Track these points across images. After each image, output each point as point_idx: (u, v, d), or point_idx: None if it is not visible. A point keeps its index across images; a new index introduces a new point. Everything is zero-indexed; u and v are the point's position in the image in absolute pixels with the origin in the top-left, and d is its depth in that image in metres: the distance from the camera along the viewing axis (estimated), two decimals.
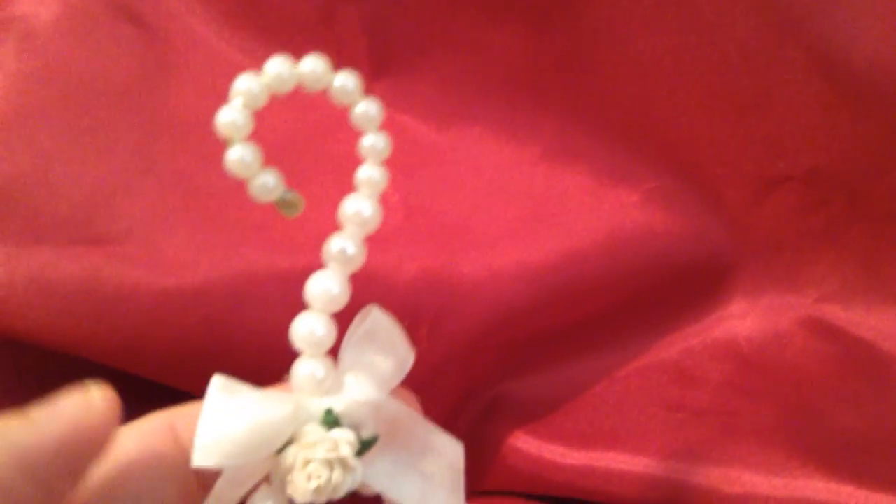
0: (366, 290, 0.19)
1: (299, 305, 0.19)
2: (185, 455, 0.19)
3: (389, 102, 0.20)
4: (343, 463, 0.18)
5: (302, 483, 0.17)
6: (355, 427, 0.18)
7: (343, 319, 0.19)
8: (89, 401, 0.16)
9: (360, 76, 0.19)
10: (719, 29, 0.31)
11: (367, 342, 0.19)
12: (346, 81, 0.19)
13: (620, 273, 0.33)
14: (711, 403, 0.32)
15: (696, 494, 0.30)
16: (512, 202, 0.32)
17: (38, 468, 0.15)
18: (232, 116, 0.18)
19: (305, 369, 0.19)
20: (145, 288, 0.26)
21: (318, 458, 0.17)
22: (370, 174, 0.20)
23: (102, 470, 0.18)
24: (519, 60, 0.33)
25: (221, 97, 0.18)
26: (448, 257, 0.31)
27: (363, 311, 0.20)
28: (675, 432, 0.31)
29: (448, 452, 0.21)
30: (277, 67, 0.18)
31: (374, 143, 0.20)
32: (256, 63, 0.18)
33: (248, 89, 0.18)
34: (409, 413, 0.20)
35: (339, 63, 0.19)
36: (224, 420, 0.17)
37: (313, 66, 0.18)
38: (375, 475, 0.19)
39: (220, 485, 0.18)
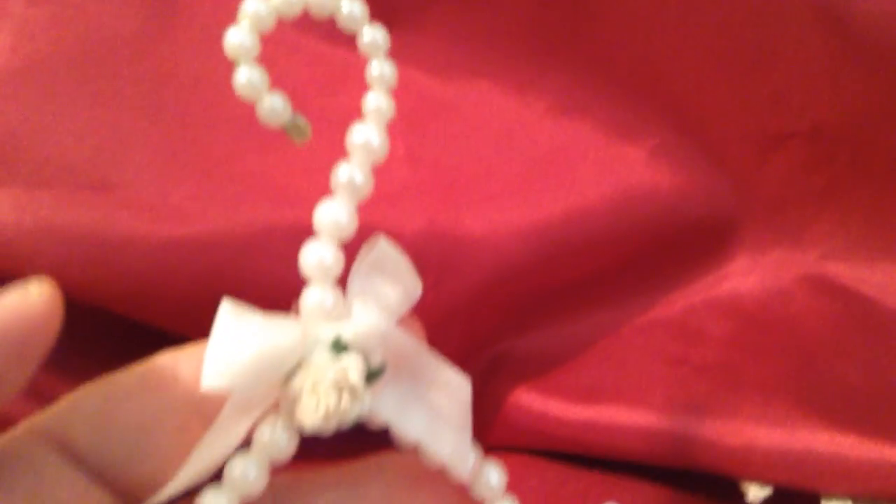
0: None
1: None
2: (186, 390, 0.19)
3: (394, 56, 0.20)
4: (352, 389, 0.17)
5: (310, 408, 0.17)
6: (364, 355, 0.18)
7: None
8: (27, 290, 0.16)
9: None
10: None
11: (375, 272, 0.19)
12: (353, 7, 0.19)
13: (624, 230, 0.33)
14: (714, 359, 0.32)
15: (697, 447, 0.30)
16: (517, 157, 0.32)
17: None
18: (239, 38, 0.18)
19: (314, 297, 0.18)
20: (151, 236, 0.25)
21: (326, 383, 0.17)
22: (378, 103, 0.20)
23: (100, 400, 0.18)
24: (525, 15, 0.33)
25: None
26: (453, 212, 0.31)
27: (370, 242, 0.20)
28: (678, 386, 0.31)
29: (455, 387, 0.21)
30: None
31: (381, 70, 0.19)
32: None
33: (255, 12, 0.18)
34: (416, 345, 0.20)
35: None
36: (233, 343, 0.17)
37: None
38: (383, 406, 0.19)
39: (226, 411, 0.18)
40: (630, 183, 0.33)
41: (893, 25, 0.31)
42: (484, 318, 0.32)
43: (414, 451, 0.21)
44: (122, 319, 0.26)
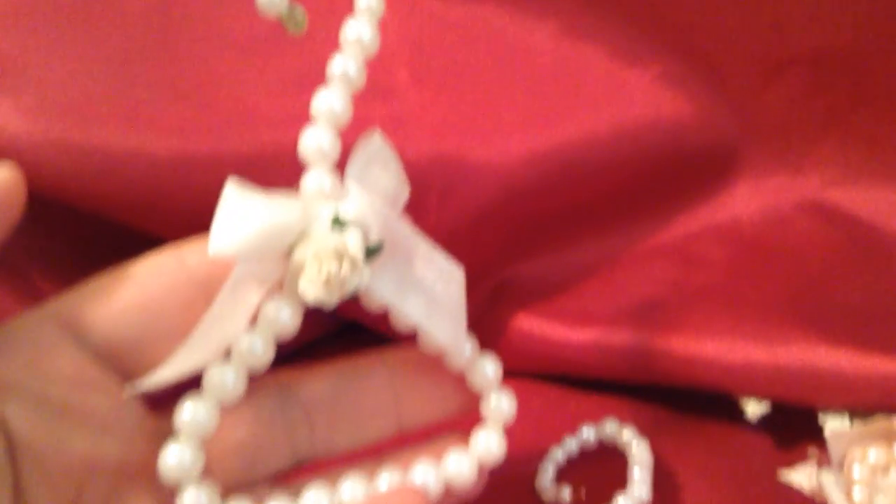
0: None
1: None
2: (190, 274, 0.19)
3: None
4: (351, 259, 0.18)
5: (312, 275, 0.18)
6: (362, 232, 0.19)
7: None
8: None
9: None
10: None
11: (370, 162, 0.20)
12: None
13: (627, 157, 0.33)
14: (714, 282, 0.33)
15: (696, 365, 0.30)
16: (521, 81, 0.32)
17: None
18: None
19: (313, 180, 0.19)
20: (157, 151, 0.26)
21: (327, 252, 0.18)
22: (369, 2, 0.20)
23: (106, 283, 0.19)
24: None
25: None
26: (457, 136, 0.31)
27: (364, 136, 0.20)
28: (677, 308, 0.32)
29: (449, 274, 0.21)
30: None
31: None
32: None
33: None
34: (411, 232, 0.20)
35: None
36: (238, 215, 0.18)
37: None
38: (382, 286, 0.20)
39: (230, 283, 0.18)
40: (633, 110, 0.33)
41: None
42: (486, 244, 0.33)
43: (414, 347, 0.22)
44: (128, 231, 0.27)
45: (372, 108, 0.30)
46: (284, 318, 0.19)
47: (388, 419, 0.22)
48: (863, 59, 0.34)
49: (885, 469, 0.25)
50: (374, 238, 0.19)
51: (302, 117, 0.20)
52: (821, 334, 0.30)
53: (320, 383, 0.22)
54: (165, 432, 0.19)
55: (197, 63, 0.28)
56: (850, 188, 0.35)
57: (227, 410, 0.19)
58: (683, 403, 0.32)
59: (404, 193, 0.21)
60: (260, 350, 0.19)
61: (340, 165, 0.20)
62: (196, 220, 0.20)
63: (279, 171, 0.28)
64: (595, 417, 0.30)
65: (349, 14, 0.20)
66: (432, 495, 0.20)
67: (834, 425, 0.28)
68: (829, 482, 0.25)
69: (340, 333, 0.34)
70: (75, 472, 0.17)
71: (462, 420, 0.23)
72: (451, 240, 0.31)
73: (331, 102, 0.19)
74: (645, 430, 0.29)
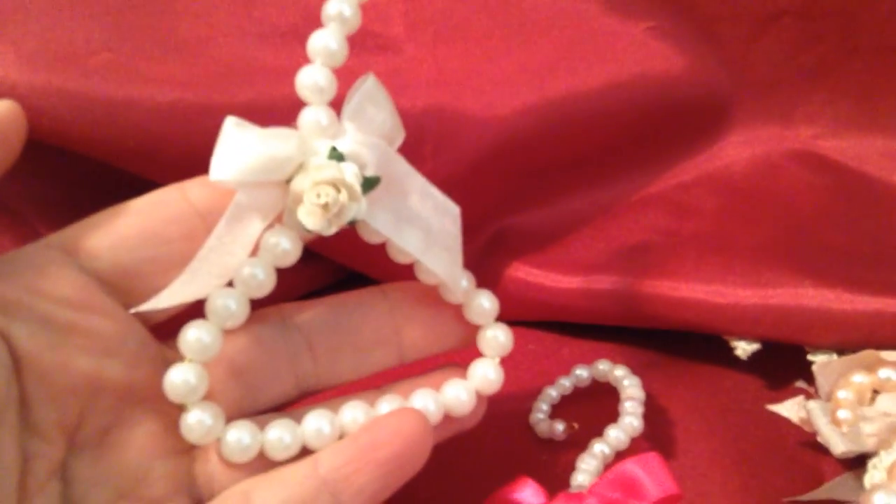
0: None
1: None
2: (192, 206, 0.20)
3: None
4: (349, 188, 0.19)
5: (310, 202, 0.18)
6: (359, 165, 0.19)
7: None
8: None
9: None
10: None
11: (365, 102, 0.21)
12: None
13: (619, 109, 0.34)
14: (704, 229, 0.33)
15: (687, 308, 0.31)
16: (514, 34, 0.33)
17: None
18: None
19: (310, 115, 0.20)
20: (154, 100, 0.27)
21: (324, 179, 0.18)
22: None
23: (109, 215, 0.20)
24: None
25: None
26: (452, 88, 0.31)
27: (360, 79, 0.21)
28: (668, 254, 0.33)
29: (445, 209, 0.22)
30: None
31: None
32: None
33: None
34: (408, 168, 0.21)
35: None
36: (238, 145, 0.19)
37: None
38: (380, 219, 0.20)
39: (229, 212, 0.19)
40: (625, 63, 0.34)
41: None
42: (481, 194, 0.33)
43: (414, 281, 0.22)
44: (128, 177, 0.27)
45: (368, 60, 0.31)
46: (284, 246, 0.20)
47: (390, 350, 0.22)
48: (852, 10, 0.34)
49: (870, 395, 0.26)
50: (370, 173, 0.20)
51: (299, 68, 0.20)
52: (810, 276, 0.31)
53: (322, 314, 0.22)
54: (170, 360, 0.19)
55: (195, 14, 0.29)
56: (839, 137, 0.36)
57: (229, 335, 0.20)
58: (674, 347, 0.33)
59: (400, 134, 0.22)
60: (261, 276, 0.19)
61: (338, 111, 0.20)
62: (195, 166, 0.20)
63: (277, 122, 0.29)
64: (588, 361, 0.31)
65: None
66: (432, 420, 0.21)
67: (822, 361, 0.29)
68: (815, 409, 0.26)
69: (341, 285, 0.35)
70: (80, 390, 0.18)
71: (461, 355, 0.24)
72: (445, 190, 0.32)
73: (326, 41, 0.20)
74: (637, 372, 0.30)
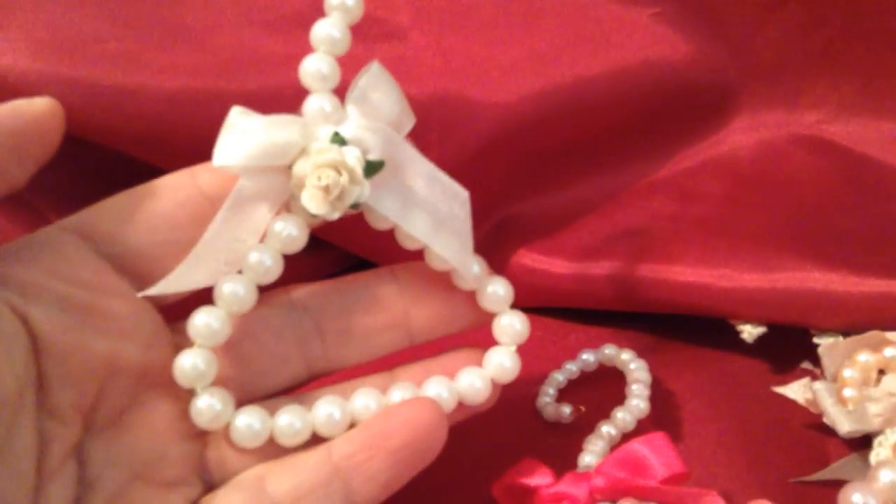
0: None
1: None
2: (202, 191, 0.20)
3: None
4: (350, 171, 0.19)
5: (311, 185, 0.19)
6: (362, 150, 0.20)
7: None
8: (30, 99, 0.18)
9: None
10: None
11: (370, 88, 0.21)
12: None
13: (624, 95, 0.34)
14: (710, 213, 0.33)
15: (693, 292, 0.31)
16: (521, 20, 0.33)
17: None
18: None
19: (314, 103, 0.20)
20: (161, 89, 0.27)
21: (325, 162, 0.19)
22: None
23: (123, 199, 0.20)
24: None
25: None
26: (458, 75, 0.32)
27: (365, 67, 0.21)
28: (676, 239, 0.33)
29: (454, 194, 0.22)
30: None
31: None
32: None
33: None
34: (416, 153, 0.21)
35: None
36: (242, 131, 0.19)
37: None
38: (386, 203, 0.20)
39: (232, 197, 0.19)
40: (631, 49, 0.34)
41: None
42: (487, 181, 0.33)
43: (424, 263, 0.22)
44: (137, 165, 0.28)
45: (373, 48, 0.31)
46: (291, 232, 0.20)
47: (399, 332, 0.22)
48: None
49: (875, 375, 0.26)
50: (374, 157, 0.20)
51: (303, 56, 0.21)
52: (815, 259, 0.31)
53: (330, 296, 0.22)
54: (179, 346, 0.20)
55: (201, 3, 0.29)
56: (844, 122, 0.35)
57: (238, 320, 0.20)
58: (680, 332, 0.33)
59: (409, 120, 0.22)
60: (268, 262, 0.20)
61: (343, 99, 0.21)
62: (202, 153, 0.21)
63: (282, 109, 0.29)
64: (594, 346, 0.31)
65: None
66: (446, 408, 0.21)
67: (827, 343, 0.29)
68: (821, 390, 0.26)
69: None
70: (97, 371, 0.18)
71: (471, 335, 0.24)
72: (451, 176, 0.32)
73: (329, 30, 0.20)
74: (643, 356, 0.30)
